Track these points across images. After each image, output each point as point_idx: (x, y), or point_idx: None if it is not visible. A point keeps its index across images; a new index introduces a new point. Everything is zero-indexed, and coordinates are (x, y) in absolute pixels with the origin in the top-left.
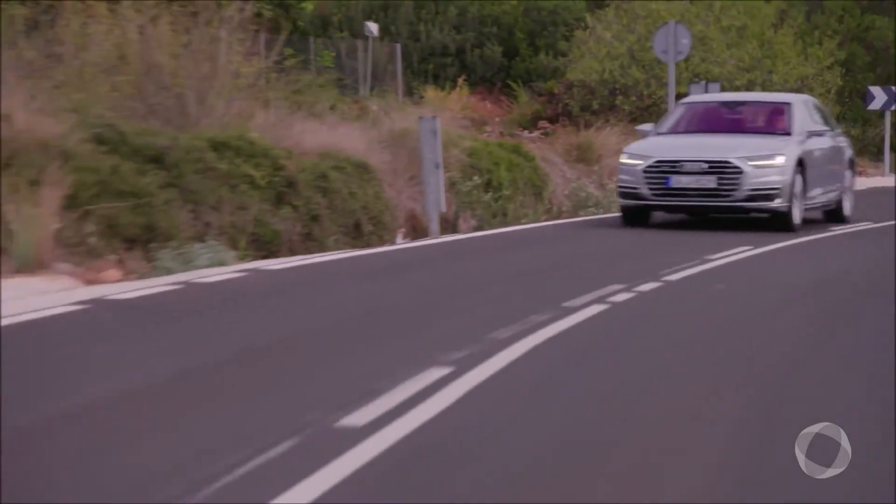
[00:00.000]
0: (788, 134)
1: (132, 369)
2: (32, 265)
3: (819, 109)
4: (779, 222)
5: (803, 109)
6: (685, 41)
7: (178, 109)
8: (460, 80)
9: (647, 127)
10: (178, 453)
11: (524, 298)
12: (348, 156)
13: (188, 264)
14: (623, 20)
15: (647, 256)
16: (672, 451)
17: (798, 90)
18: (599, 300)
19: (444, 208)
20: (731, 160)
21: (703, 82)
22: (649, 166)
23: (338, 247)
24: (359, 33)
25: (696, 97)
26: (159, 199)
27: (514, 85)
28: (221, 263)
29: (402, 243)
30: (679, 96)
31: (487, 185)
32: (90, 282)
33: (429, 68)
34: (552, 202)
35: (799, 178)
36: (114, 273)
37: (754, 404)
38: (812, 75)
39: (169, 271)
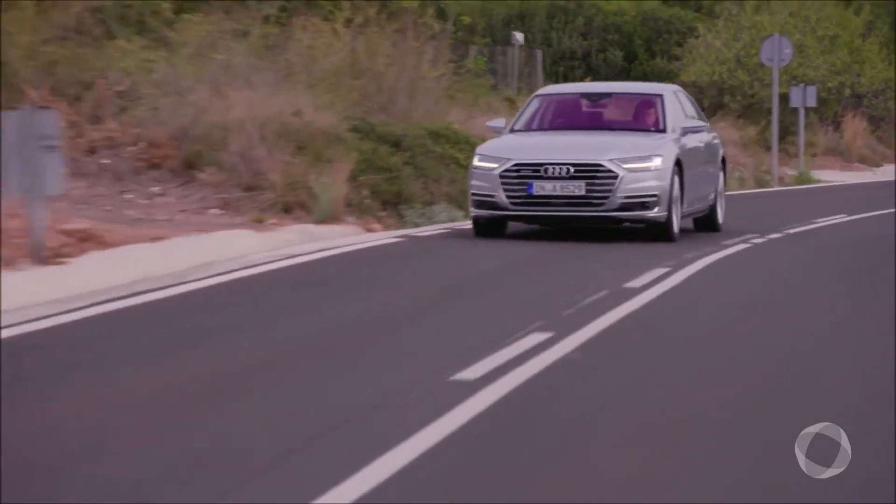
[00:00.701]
0: (662, 131)
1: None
2: (329, 219)
3: (690, 101)
4: (657, 233)
5: (675, 102)
6: (787, 51)
7: (393, 107)
8: (588, 80)
9: (498, 123)
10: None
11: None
12: None
13: (431, 220)
14: (731, 30)
15: (547, 282)
16: None
17: (882, 91)
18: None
19: None
20: (602, 163)
21: (802, 85)
22: (507, 170)
23: None
24: (498, 40)
25: (554, 88)
26: (404, 173)
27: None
28: (453, 220)
29: None
30: (781, 97)
31: None
32: (368, 230)
33: (559, 70)
34: None
35: (677, 182)
36: (378, 226)
37: None
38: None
39: (416, 225)
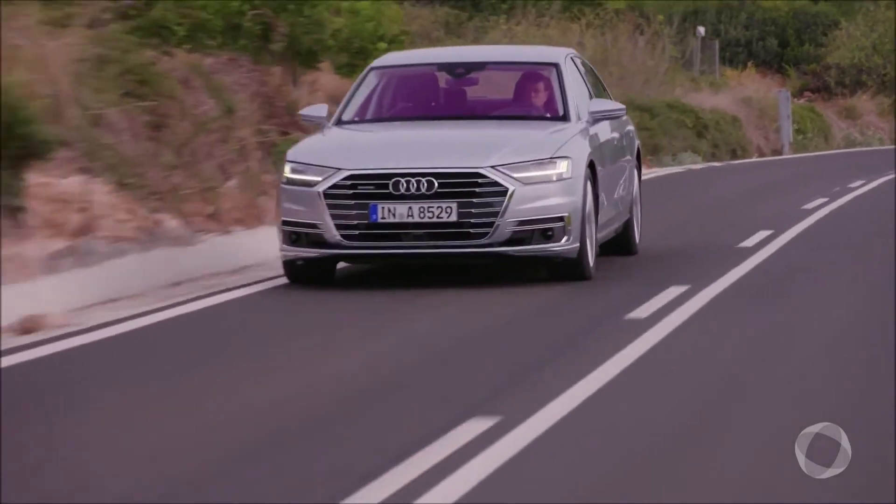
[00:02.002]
0: (564, 118)
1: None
2: None
3: (589, 68)
4: (565, 270)
5: (575, 73)
6: None
7: (632, 87)
8: (749, 64)
9: (316, 111)
10: None
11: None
12: (723, 111)
13: (679, 162)
14: (868, 23)
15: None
16: None
17: None
18: None
19: (791, 140)
20: (483, 171)
21: None
22: (335, 186)
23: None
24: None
25: (397, 56)
26: (657, 131)
27: (787, 67)
28: (694, 162)
29: (756, 159)
30: None
31: (797, 131)
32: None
33: (725, 55)
34: (833, 141)
35: (590, 194)
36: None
37: None
38: None
39: (670, 165)
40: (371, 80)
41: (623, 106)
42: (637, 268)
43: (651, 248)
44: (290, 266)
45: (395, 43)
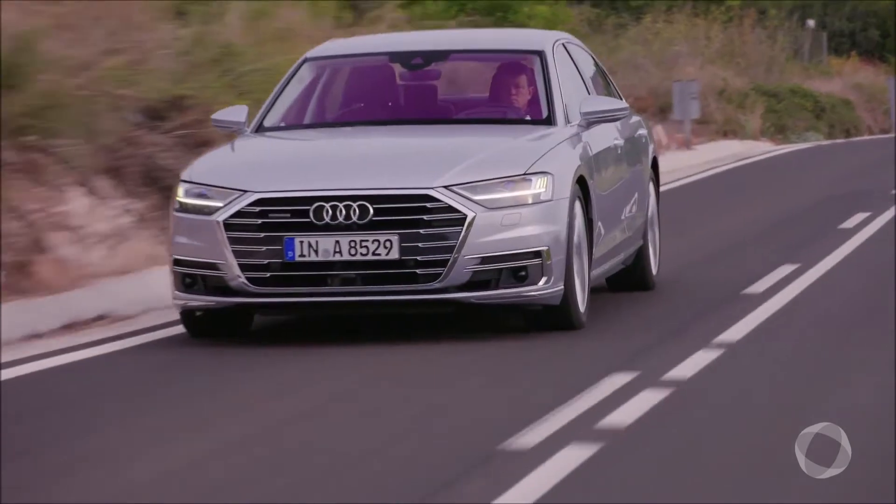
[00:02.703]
0: (549, 121)
1: None
2: (750, 138)
3: (589, 56)
4: (547, 319)
5: (567, 64)
6: None
7: (757, 75)
8: (853, 54)
9: (231, 114)
10: None
11: None
12: (837, 96)
13: (804, 140)
14: None
15: None
16: None
17: None
18: None
19: None
20: (433, 193)
21: None
22: (240, 214)
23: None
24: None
25: (340, 44)
26: (783, 114)
27: (888, 56)
28: (818, 140)
29: (866, 137)
30: None
31: None
32: (774, 143)
33: (831, 45)
34: None
35: (580, 220)
36: (777, 143)
37: None
38: None
39: (795, 142)
40: (304, 75)
41: (625, 105)
42: (653, 308)
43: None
44: (188, 317)
45: None
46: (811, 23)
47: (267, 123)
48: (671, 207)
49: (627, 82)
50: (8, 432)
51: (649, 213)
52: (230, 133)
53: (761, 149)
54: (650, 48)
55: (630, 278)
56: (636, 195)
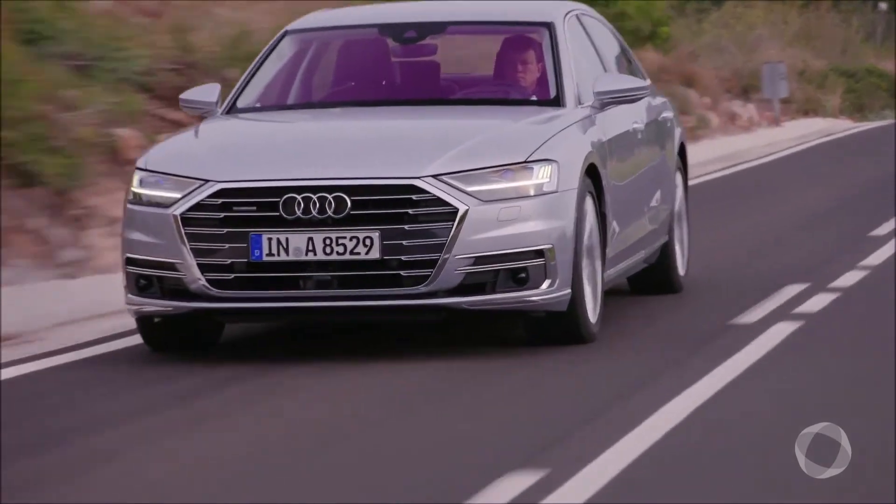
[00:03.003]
0: (557, 101)
1: None
2: (830, 116)
3: (607, 30)
4: (552, 329)
5: (581, 40)
6: None
7: (834, 56)
8: None
9: (202, 94)
10: None
11: None
12: None
13: (883, 118)
14: None
15: None
16: None
17: None
18: None
19: None
20: (420, 184)
21: None
22: (199, 206)
23: None
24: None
25: (324, 16)
26: (862, 93)
27: None
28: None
29: None
30: None
31: None
32: (853, 122)
33: None
34: None
35: (591, 215)
36: (855, 120)
37: None
38: None
39: (873, 120)
40: (285, 50)
41: (647, 83)
42: (677, 313)
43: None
44: (144, 324)
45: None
46: (883, 6)
47: (240, 104)
48: (769, 180)
49: (712, 64)
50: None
51: (676, 206)
52: (200, 115)
53: (842, 126)
54: (732, 31)
55: (653, 278)
56: (660, 186)
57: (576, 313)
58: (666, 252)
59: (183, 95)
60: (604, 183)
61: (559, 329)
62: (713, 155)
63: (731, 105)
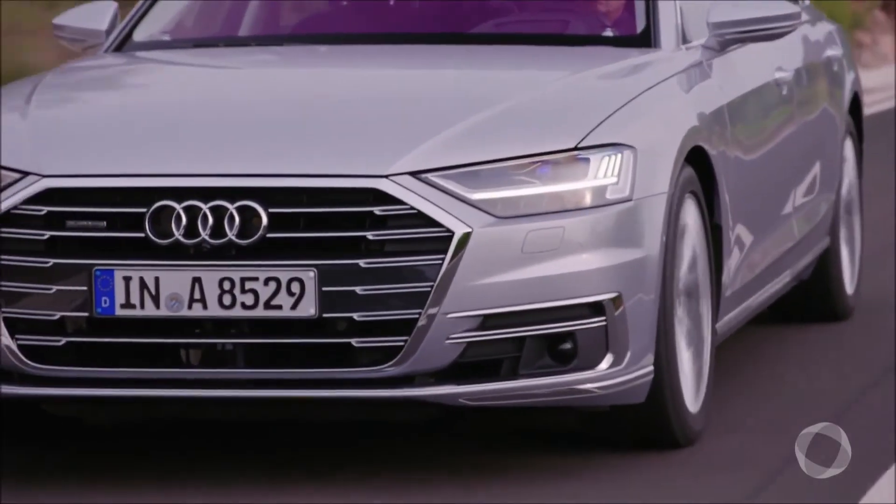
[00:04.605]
0: (645, 41)
1: None
2: None
3: None
4: (624, 428)
5: None
6: None
7: None
8: None
9: (88, 17)
10: None
11: None
12: None
13: None
14: None
15: None
16: None
17: None
18: None
19: None
20: (385, 187)
21: None
22: (8, 219)
23: None
24: None
25: None
26: None
27: None
28: None
29: None
30: None
31: None
32: None
33: None
34: None
35: (694, 232)
36: None
37: None
38: None
39: None
40: None
41: (797, 9)
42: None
43: None
44: None
45: None
46: None
47: (138, 36)
48: None
49: None
50: None
51: (844, 193)
52: (82, 49)
53: None
54: None
55: (805, 299)
56: (818, 164)
57: (662, 403)
58: (826, 262)
59: (56, 19)
60: (718, 174)
61: (633, 429)
62: None
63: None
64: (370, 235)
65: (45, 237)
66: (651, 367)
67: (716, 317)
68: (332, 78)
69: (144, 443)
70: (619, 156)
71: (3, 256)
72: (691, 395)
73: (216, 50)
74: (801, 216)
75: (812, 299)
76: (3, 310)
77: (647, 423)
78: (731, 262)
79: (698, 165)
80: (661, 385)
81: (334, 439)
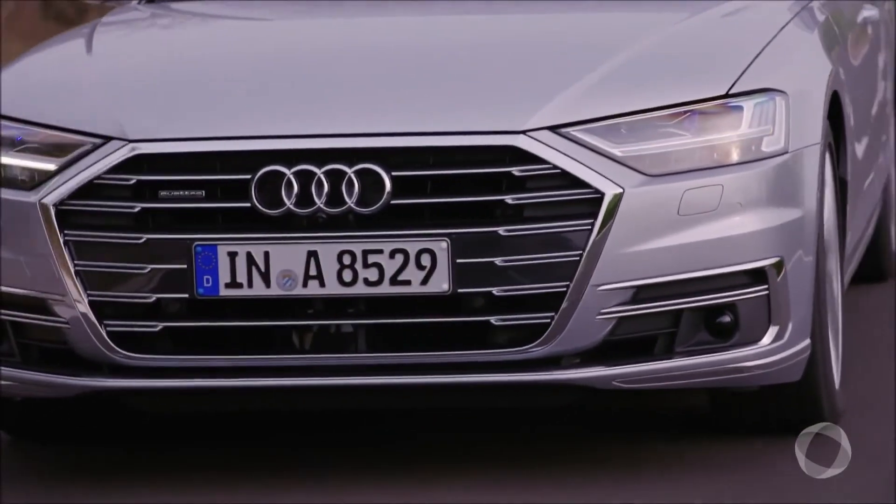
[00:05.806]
0: None
1: None
2: None
3: None
4: (770, 408)
5: None
6: None
7: None
8: None
9: None
10: None
11: None
12: None
13: None
14: None
15: None
16: None
17: None
18: None
19: None
20: (524, 144)
21: None
22: (89, 190)
23: None
24: None
25: None
26: None
27: None
28: None
29: None
30: None
31: None
32: None
33: None
34: None
35: (830, 189)
36: None
37: None
38: None
39: None
40: None
41: None
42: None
43: None
44: (10, 408)
45: None
46: None
47: None
48: None
49: None
50: None
51: (891, 149)
52: (107, 4)
53: None
54: None
55: (867, 261)
56: (889, 121)
57: (815, 381)
58: (881, 223)
59: None
60: (847, 125)
61: (782, 408)
62: None
63: None
64: (509, 199)
65: (136, 210)
66: (808, 342)
67: (842, 277)
68: (430, 26)
69: (145, 443)
70: (773, 102)
71: (87, 233)
72: (836, 371)
73: (261, 1)
74: (877, 170)
75: (869, 260)
76: (89, 293)
77: (797, 403)
78: (850, 218)
79: (832, 113)
80: (815, 359)
81: (334, 439)
